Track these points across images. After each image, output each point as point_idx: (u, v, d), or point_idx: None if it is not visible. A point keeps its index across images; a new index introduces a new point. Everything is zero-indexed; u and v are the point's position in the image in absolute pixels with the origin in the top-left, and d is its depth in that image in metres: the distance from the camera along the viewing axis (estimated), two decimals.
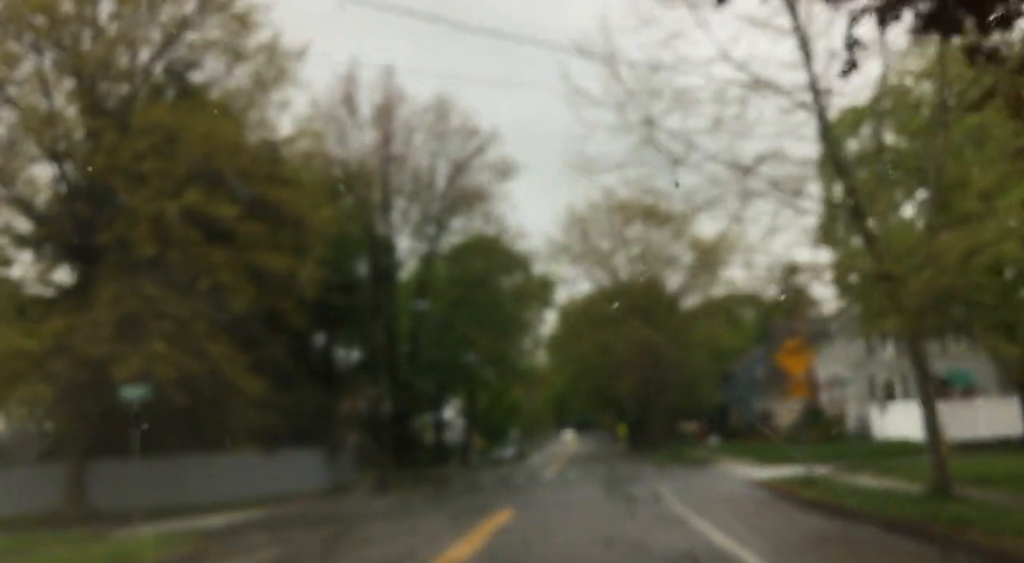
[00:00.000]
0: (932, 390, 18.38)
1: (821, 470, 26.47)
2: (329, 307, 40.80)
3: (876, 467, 27.52)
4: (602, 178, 35.60)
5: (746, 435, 70.98)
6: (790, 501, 20.07)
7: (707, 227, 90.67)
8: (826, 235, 29.59)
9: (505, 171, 45.16)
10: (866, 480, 23.32)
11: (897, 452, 33.50)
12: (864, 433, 49.47)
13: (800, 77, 18.63)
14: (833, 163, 19.34)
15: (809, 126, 18.98)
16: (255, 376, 31.46)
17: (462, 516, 21.23)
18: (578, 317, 74.50)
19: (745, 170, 19.95)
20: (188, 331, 28.21)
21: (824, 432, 50.87)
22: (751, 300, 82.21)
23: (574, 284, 70.49)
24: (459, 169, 44.63)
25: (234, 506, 31.88)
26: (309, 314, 38.57)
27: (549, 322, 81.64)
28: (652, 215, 68.45)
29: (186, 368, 28.04)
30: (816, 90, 18.57)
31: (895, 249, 19.32)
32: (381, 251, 43.06)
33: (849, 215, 21.53)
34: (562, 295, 72.66)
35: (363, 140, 43.69)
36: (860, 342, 50.64)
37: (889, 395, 50.78)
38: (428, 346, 46.80)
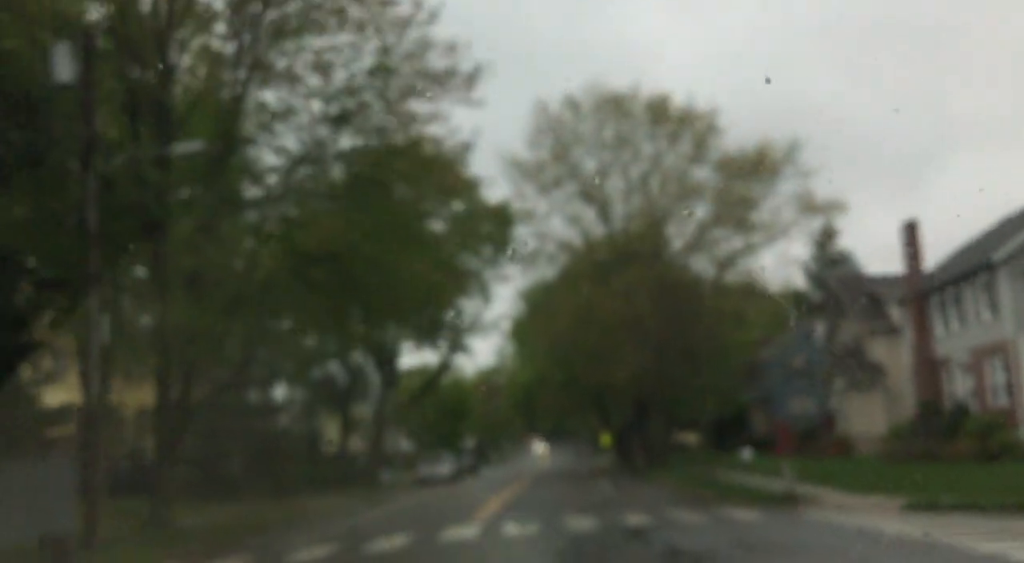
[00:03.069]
0: None
1: None
2: None
3: None
4: None
5: (798, 446, 48.15)
6: None
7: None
8: None
9: None
10: None
11: None
12: None
13: None
14: None
15: None
16: None
17: None
18: (551, 280, 51.95)
19: None
20: None
21: (979, 443, 28.54)
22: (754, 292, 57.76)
23: (545, 220, 47.79)
24: None
25: None
26: None
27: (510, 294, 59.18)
28: (662, 114, 46.04)
29: None
30: None
31: None
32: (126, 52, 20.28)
33: None
34: (526, 241, 49.83)
35: None
36: None
37: None
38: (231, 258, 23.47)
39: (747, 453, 45.85)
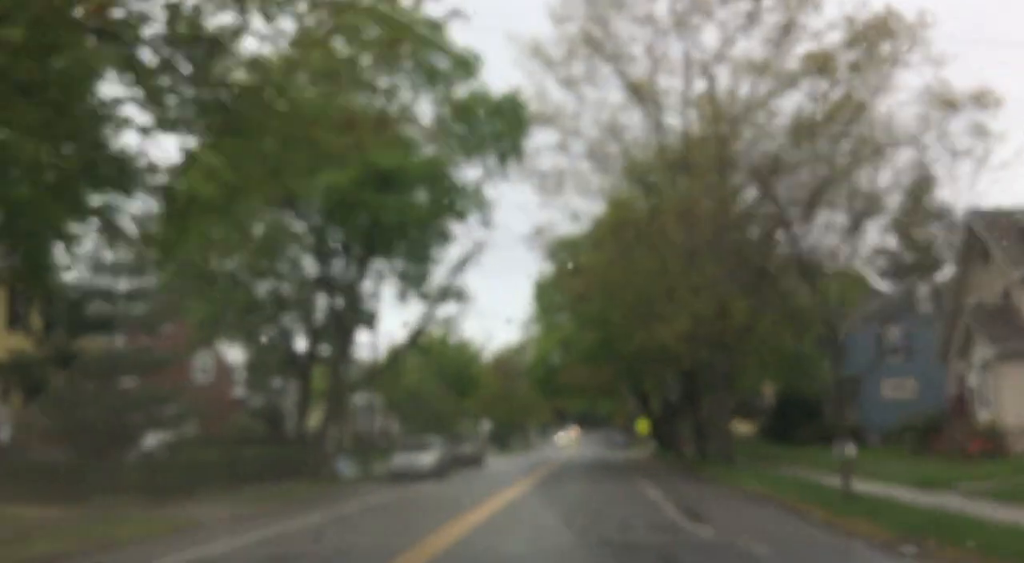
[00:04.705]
0: None
1: None
2: None
3: None
4: None
5: (916, 445, 34.84)
6: None
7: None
8: None
9: None
10: None
11: None
12: None
13: None
14: None
15: None
16: None
17: None
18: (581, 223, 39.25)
19: None
20: None
21: None
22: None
23: (572, 122, 34.96)
24: None
25: None
26: None
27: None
28: None
29: None
30: None
31: None
32: None
33: None
34: (546, 160, 37.02)
35: None
36: None
37: None
38: None
39: (850, 448, 33.09)
